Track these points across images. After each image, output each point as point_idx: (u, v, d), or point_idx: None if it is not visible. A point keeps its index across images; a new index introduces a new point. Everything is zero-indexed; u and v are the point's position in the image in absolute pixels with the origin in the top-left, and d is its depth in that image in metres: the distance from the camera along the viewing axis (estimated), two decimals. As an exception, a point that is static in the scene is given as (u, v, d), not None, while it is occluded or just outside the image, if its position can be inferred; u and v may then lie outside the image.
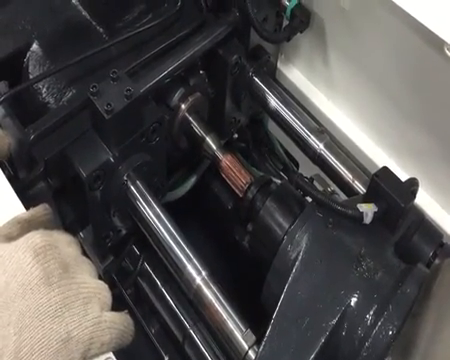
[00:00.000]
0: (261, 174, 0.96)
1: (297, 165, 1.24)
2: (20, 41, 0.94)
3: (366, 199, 0.78)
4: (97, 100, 0.78)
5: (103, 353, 0.53)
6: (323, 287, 0.73)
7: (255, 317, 0.77)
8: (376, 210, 0.75)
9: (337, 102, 1.09)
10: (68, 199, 0.89)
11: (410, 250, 0.79)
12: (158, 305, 1.09)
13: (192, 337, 1.05)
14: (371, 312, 0.70)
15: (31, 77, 0.92)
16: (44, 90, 0.91)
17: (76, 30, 0.98)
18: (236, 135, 1.16)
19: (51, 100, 0.90)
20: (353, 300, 0.71)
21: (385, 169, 0.80)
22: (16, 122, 0.86)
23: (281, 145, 1.26)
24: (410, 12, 0.83)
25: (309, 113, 1.10)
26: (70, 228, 0.92)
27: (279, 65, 1.19)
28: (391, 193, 0.75)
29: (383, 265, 0.73)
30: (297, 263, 0.75)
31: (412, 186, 0.80)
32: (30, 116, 0.85)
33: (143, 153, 0.88)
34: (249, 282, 0.88)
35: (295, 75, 1.17)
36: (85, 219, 0.91)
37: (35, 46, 0.94)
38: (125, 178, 0.86)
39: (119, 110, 0.78)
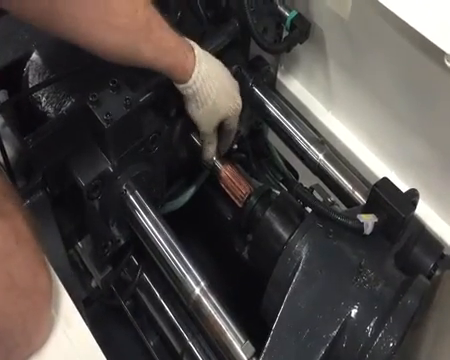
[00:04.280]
0: (260, 184, 0.96)
1: (297, 176, 1.24)
2: (20, 50, 0.94)
3: (366, 210, 0.78)
4: (96, 109, 0.78)
5: None
6: (323, 298, 0.72)
7: (254, 328, 0.76)
8: (376, 221, 0.75)
9: (337, 113, 1.09)
10: (67, 209, 0.88)
11: (410, 261, 0.78)
12: (157, 317, 1.08)
13: (191, 349, 1.04)
14: (371, 323, 0.69)
15: (31, 86, 0.92)
16: (43, 99, 0.91)
17: (76, 40, 0.98)
18: (236, 146, 1.16)
19: (50, 109, 0.90)
20: (353, 311, 0.70)
21: (385, 180, 0.79)
22: (15, 131, 0.85)
23: (281, 156, 1.26)
24: (410, 23, 0.83)
25: (309, 124, 1.10)
26: (68, 238, 0.92)
27: (279, 76, 1.19)
28: (391, 204, 0.75)
29: (384, 276, 0.73)
30: (297, 273, 0.74)
31: (412, 197, 0.80)
32: (29, 125, 0.84)
33: (142, 163, 0.88)
34: (248, 293, 0.88)
35: (295, 86, 1.17)
36: (83, 229, 0.90)
37: (35, 55, 0.94)
38: (124, 188, 0.85)
39: (118, 119, 0.78)
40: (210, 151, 0.96)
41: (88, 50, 0.74)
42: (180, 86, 0.85)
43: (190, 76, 0.83)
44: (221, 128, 0.94)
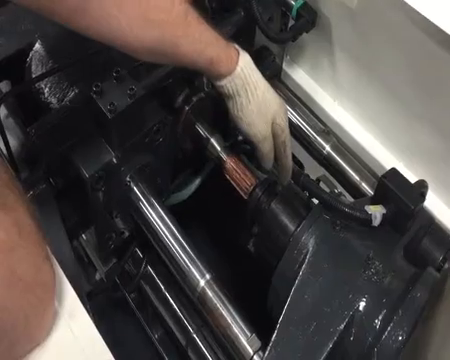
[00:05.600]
0: (265, 176, 0.94)
1: (302, 167, 1.22)
2: (23, 41, 0.92)
3: (374, 201, 0.77)
4: (100, 99, 0.77)
5: None
6: (330, 291, 0.71)
7: (260, 321, 0.75)
8: (385, 212, 0.74)
9: (343, 103, 1.08)
10: (70, 200, 0.87)
11: (419, 254, 0.76)
12: (161, 309, 1.07)
13: (196, 342, 1.03)
14: (380, 317, 0.68)
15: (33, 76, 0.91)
16: (46, 90, 0.89)
17: (79, 30, 0.97)
18: (240, 137, 1.14)
19: (53, 100, 0.89)
20: (361, 304, 0.69)
21: (393, 170, 0.78)
22: (18, 122, 0.84)
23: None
24: (420, 10, 0.81)
25: (315, 114, 1.09)
26: (72, 229, 0.91)
27: (284, 66, 1.17)
28: (400, 195, 0.74)
29: (392, 269, 0.72)
30: (304, 266, 0.73)
31: (421, 188, 0.78)
32: (33, 116, 0.83)
33: (146, 154, 0.87)
34: (254, 286, 0.87)
35: (300, 76, 1.15)
36: (87, 221, 0.90)
37: (38, 46, 0.93)
38: (128, 179, 0.84)
39: (122, 109, 0.77)
40: (271, 157, 0.88)
41: (124, 50, 0.72)
42: (225, 80, 0.80)
43: (237, 63, 0.79)
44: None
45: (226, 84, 0.80)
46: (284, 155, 0.89)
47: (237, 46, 0.82)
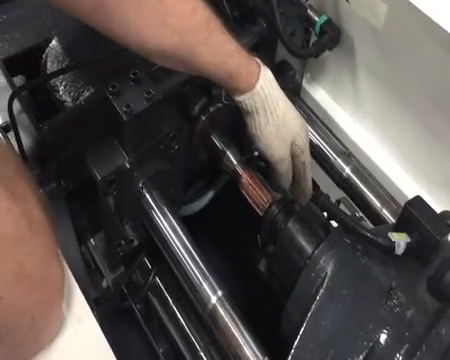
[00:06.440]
0: (280, 196, 0.91)
1: (317, 188, 1.19)
2: (40, 36, 0.90)
3: (397, 229, 0.73)
4: (116, 100, 0.74)
5: None
6: (349, 319, 0.67)
7: (273, 344, 0.71)
8: (409, 241, 0.70)
9: (364, 125, 1.05)
10: (81, 202, 0.85)
11: (442, 288, 0.73)
12: (168, 323, 1.03)
13: (203, 360, 0.99)
14: (402, 352, 0.64)
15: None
16: (61, 88, 0.87)
17: (97, 28, 0.95)
18: (256, 153, 1.11)
19: (68, 98, 0.86)
20: (382, 336, 0.65)
21: (418, 198, 0.74)
22: (32, 119, 0.81)
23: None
24: (453, 34, 0.78)
25: (334, 135, 1.06)
26: (81, 233, 0.88)
27: (304, 83, 1.15)
28: (425, 224, 0.70)
29: (415, 301, 0.68)
30: (321, 291, 0.69)
31: (446, 219, 0.75)
32: (46, 114, 0.80)
33: (161, 161, 0.84)
34: (267, 305, 0.83)
35: (320, 94, 1.13)
36: (97, 225, 0.87)
37: (54, 42, 0.91)
38: (140, 185, 0.82)
39: (138, 112, 0.74)
40: (288, 178, 0.85)
41: (141, 54, 0.70)
42: (243, 96, 0.77)
43: (257, 80, 0.76)
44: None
45: (244, 100, 0.77)
46: (303, 177, 0.86)
47: (259, 61, 0.79)
